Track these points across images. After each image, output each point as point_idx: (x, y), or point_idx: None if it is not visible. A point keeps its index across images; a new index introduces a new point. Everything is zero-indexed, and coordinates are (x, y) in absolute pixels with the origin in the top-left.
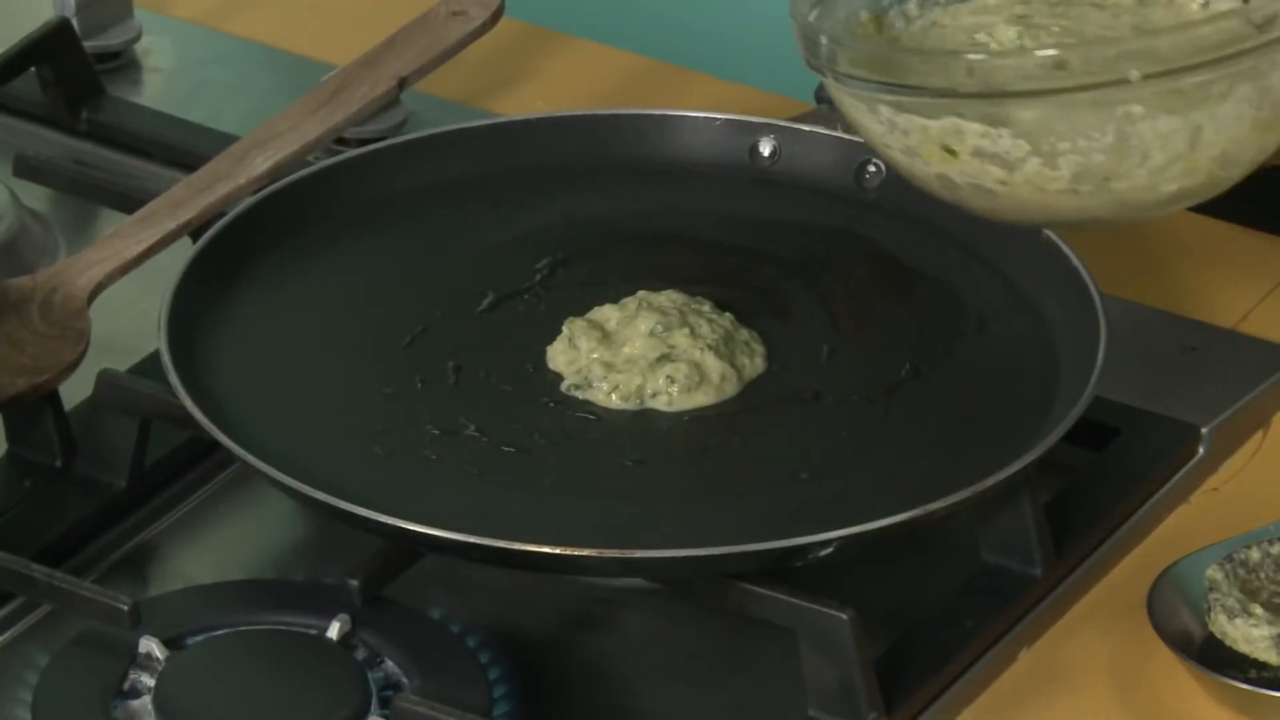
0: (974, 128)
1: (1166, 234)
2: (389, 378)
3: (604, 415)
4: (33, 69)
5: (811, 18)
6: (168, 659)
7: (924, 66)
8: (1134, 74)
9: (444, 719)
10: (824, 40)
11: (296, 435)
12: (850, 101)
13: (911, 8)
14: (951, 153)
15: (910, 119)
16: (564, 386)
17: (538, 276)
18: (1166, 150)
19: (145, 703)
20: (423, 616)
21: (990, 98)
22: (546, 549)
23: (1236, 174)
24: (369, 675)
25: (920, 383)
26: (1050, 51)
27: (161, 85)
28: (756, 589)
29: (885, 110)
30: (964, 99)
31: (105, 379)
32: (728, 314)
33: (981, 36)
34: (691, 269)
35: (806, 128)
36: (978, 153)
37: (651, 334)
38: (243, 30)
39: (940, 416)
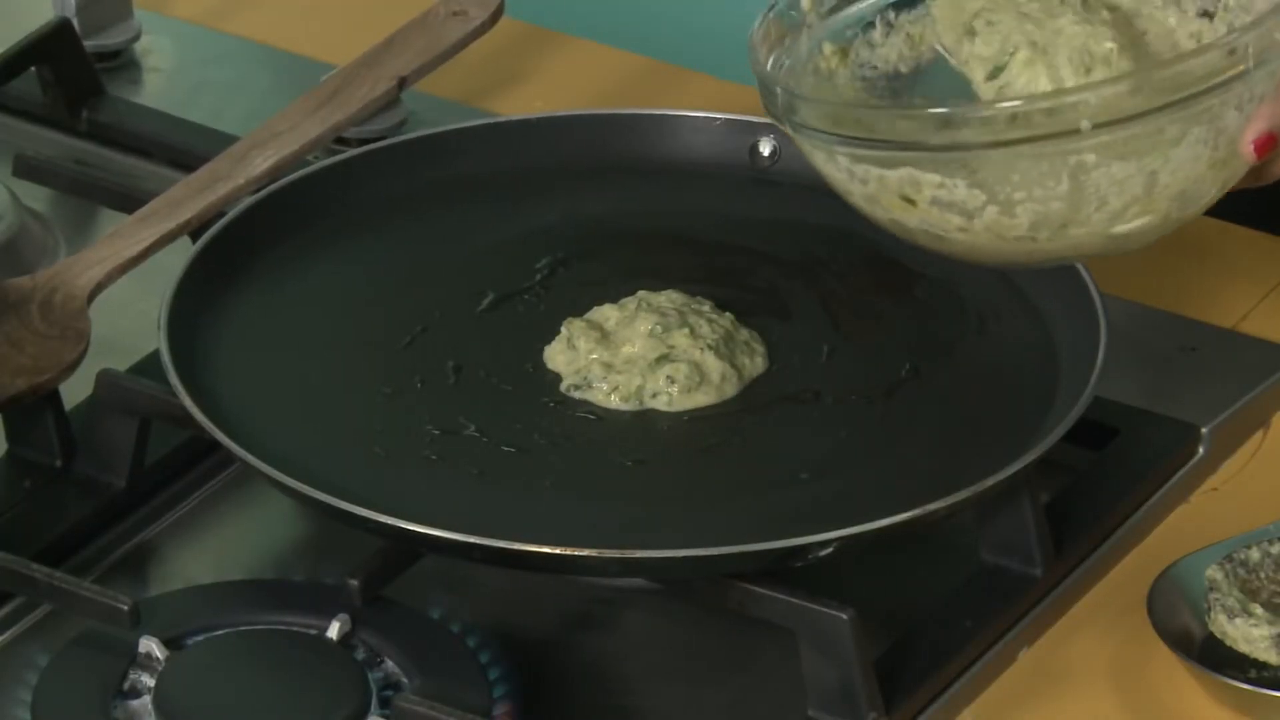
0: (930, 178)
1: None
2: (389, 378)
3: (604, 415)
4: (33, 69)
5: (774, 57)
6: (168, 659)
7: (871, 120)
8: (1084, 124)
9: (444, 719)
10: (780, 91)
11: (296, 435)
12: (809, 148)
13: (876, 35)
14: (910, 202)
15: (867, 169)
16: (564, 387)
17: (537, 276)
18: (1123, 195)
19: (145, 703)
20: (423, 616)
21: (936, 150)
22: (546, 549)
23: (1194, 210)
24: (369, 675)
25: (920, 383)
26: (1008, 105)
27: (161, 85)
28: (756, 589)
29: (843, 160)
30: (913, 151)
31: (105, 379)
32: (728, 314)
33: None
34: (691, 269)
35: None
36: (935, 202)
37: (651, 334)
38: (243, 30)
39: (940, 416)
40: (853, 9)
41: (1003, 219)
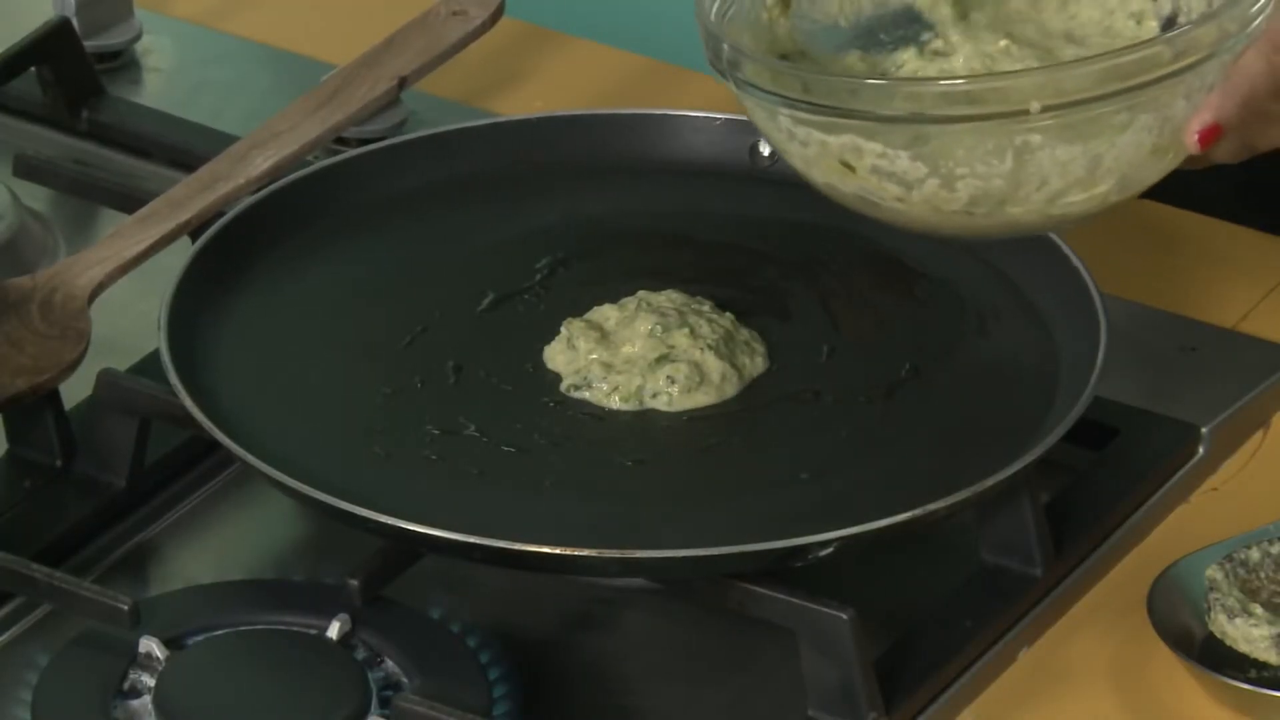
0: (873, 146)
1: (1166, 234)
2: (389, 378)
3: (604, 415)
4: (33, 69)
5: (717, 5)
6: (168, 659)
7: (822, 88)
8: (1034, 105)
9: (444, 719)
10: (726, 48)
11: (296, 435)
12: (751, 104)
13: None
14: (850, 168)
15: (809, 132)
16: (564, 387)
17: (537, 276)
18: (1065, 177)
19: (145, 703)
20: (423, 616)
21: (880, 121)
22: (546, 549)
23: (1132, 194)
24: (369, 675)
25: (920, 383)
26: (958, 82)
27: (161, 85)
28: (756, 589)
29: (785, 120)
30: (857, 119)
31: (105, 379)
32: (728, 314)
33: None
34: (691, 269)
35: None
36: (875, 170)
37: (651, 334)
38: (243, 30)
39: (940, 416)
40: None
41: (942, 192)
